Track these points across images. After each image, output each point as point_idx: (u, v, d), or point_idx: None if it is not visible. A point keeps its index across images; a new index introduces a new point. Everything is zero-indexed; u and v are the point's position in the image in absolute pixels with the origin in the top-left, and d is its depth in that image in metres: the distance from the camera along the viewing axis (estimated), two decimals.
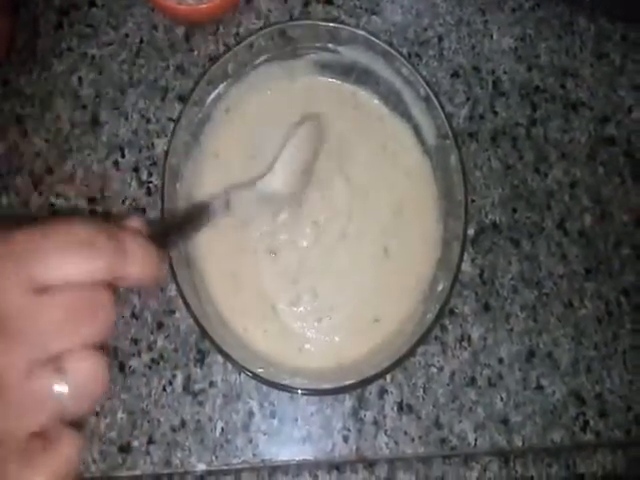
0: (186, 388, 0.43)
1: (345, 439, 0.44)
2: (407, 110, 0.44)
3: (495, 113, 0.49)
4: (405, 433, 0.44)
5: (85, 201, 0.46)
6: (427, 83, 0.41)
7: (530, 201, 0.48)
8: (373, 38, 0.41)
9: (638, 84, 0.51)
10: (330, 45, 0.43)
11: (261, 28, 0.41)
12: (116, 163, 0.46)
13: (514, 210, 0.48)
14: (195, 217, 0.37)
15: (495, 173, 0.48)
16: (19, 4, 0.48)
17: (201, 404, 0.43)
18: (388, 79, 0.43)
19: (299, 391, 0.37)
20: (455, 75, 0.49)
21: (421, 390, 0.44)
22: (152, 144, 0.47)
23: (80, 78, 0.47)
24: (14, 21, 0.47)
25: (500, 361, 0.45)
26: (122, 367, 0.43)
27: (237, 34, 0.49)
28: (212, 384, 0.44)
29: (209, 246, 0.42)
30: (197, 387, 0.43)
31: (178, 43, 0.48)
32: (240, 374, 0.44)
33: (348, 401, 0.44)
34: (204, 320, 0.37)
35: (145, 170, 0.46)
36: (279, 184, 0.40)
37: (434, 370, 0.45)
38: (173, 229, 0.35)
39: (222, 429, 0.43)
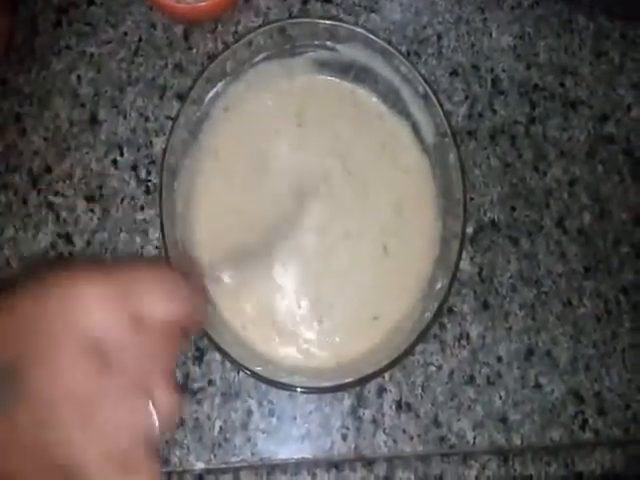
0: (184, 386, 0.43)
1: (344, 437, 0.44)
2: (406, 108, 0.44)
3: (494, 111, 0.49)
4: (404, 431, 0.44)
5: (83, 199, 0.46)
6: (426, 81, 0.41)
7: (529, 199, 0.48)
8: (372, 36, 0.41)
9: (637, 82, 0.50)
10: (329, 43, 0.43)
11: (260, 26, 0.41)
12: (115, 161, 0.46)
13: (513, 208, 0.48)
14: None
15: (494, 171, 0.48)
16: (18, 2, 0.48)
17: (199, 402, 0.43)
18: (387, 77, 0.43)
19: (298, 389, 0.37)
20: (454, 73, 0.49)
21: (420, 388, 0.44)
22: (151, 142, 0.47)
23: (79, 76, 0.47)
24: (13, 19, 0.47)
25: (499, 359, 0.45)
26: None
27: (236, 32, 0.48)
28: (211, 382, 0.44)
29: None
30: (196, 385, 0.43)
31: (177, 41, 0.48)
32: (239, 372, 0.44)
33: (347, 399, 0.44)
34: None
35: (144, 168, 0.46)
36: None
37: (433, 368, 0.45)
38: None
39: (221, 427, 0.43)
